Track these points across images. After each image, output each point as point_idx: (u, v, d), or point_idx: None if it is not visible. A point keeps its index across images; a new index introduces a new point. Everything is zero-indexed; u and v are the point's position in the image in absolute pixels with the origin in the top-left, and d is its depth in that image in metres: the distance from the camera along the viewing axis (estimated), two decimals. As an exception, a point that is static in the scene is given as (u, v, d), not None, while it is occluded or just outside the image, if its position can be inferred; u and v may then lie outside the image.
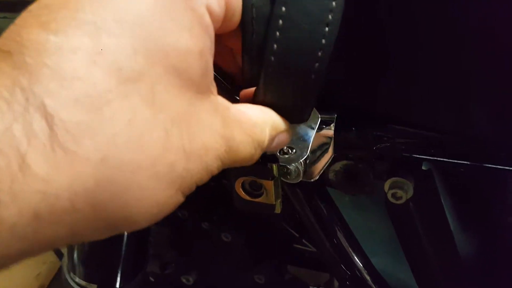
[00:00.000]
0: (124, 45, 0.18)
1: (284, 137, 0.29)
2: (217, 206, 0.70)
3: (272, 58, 0.25)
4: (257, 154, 0.26)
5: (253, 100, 0.28)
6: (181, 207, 0.72)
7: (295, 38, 0.25)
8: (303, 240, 0.86)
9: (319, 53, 0.25)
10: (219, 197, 0.71)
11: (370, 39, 0.36)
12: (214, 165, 0.22)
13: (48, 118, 0.16)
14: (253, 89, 0.29)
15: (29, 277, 1.36)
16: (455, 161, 0.41)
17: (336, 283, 0.86)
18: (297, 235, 0.83)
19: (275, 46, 0.25)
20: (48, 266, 1.42)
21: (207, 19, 0.22)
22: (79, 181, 0.17)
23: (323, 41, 0.25)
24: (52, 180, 0.16)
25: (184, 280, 0.76)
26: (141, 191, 0.19)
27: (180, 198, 0.22)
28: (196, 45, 0.21)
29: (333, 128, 0.42)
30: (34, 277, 1.37)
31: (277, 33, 0.25)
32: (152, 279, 0.81)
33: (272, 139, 0.27)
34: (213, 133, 0.22)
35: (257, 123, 0.25)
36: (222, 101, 0.24)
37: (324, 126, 0.43)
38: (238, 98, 0.31)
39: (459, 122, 0.37)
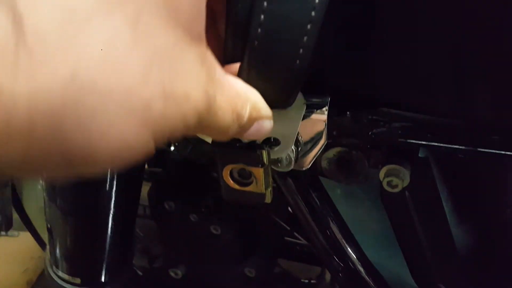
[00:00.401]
0: None
1: (265, 125, 0.27)
2: (205, 197, 0.68)
3: (256, 43, 0.24)
4: (234, 129, 0.24)
5: (237, 76, 0.26)
6: (168, 198, 0.70)
7: (280, 24, 0.24)
8: (295, 233, 0.85)
9: (304, 39, 0.24)
10: (207, 188, 0.69)
11: (365, 18, 0.34)
12: (192, 118, 0.20)
13: (16, 17, 0.14)
14: (236, 65, 0.27)
15: (16, 272, 1.35)
16: (454, 146, 0.39)
17: (328, 277, 0.85)
18: (288, 228, 0.81)
19: (259, 30, 0.24)
20: (35, 261, 1.41)
21: None
22: (43, 95, 0.15)
23: (309, 26, 0.24)
24: (9, 87, 0.14)
25: (172, 274, 0.74)
26: (109, 122, 0.17)
27: (150, 145, 0.19)
28: None
29: (326, 113, 0.40)
30: (21, 272, 1.36)
31: (262, 17, 0.24)
32: (140, 273, 0.79)
33: (251, 120, 0.25)
34: (197, 84, 0.20)
35: (240, 95, 0.24)
36: (211, 57, 0.22)
37: (316, 110, 0.41)
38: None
39: (458, 104, 0.35)
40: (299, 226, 0.83)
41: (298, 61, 0.24)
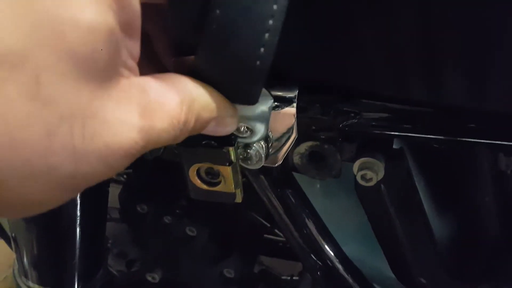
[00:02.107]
0: (3, 16, 0.14)
1: (225, 122, 0.26)
2: (179, 198, 0.66)
3: (210, 41, 0.22)
4: (182, 136, 0.22)
5: (189, 72, 0.24)
6: (139, 201, 0.67)
7: (238, 19, 0.21)
8: (275, 230, 0.83)
9: (266, 36, 0.22)
10: (180, 188, 0.67)
11: (332, 4, 0.33)
12: (121, 163, 0.19)
13: None
14: (187, 58, 0.25)
15: (-5, 280, 1.31)
16: (429, 136, 0.37)
17: (310, 273, 0.84)
18: (268, 225, 0.80)
19: (214, 26, 0.22)
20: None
21: None
22: None
23: (271, 21, 0.22)
24: None
25: (149, 278, 0.71)
26: (18, 189, 0.16)
27: (69, 196, 0.18)
28: (106, 18, 0.16)
29: (295, 106, 0.38)
30: (1, 280, 1.33)
31: (217, 11, 0.21)
32: (118, 276, 0.77)
33: (203, 122, 0.24)
34: (125, 129, 0.18)
35: (183, 102, 0.21)
36: (138, 83, 0.19)
37: (285, 104, 0.39)
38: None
39: (432, 92, 0.33)
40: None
41: (258, 62, 0.22)
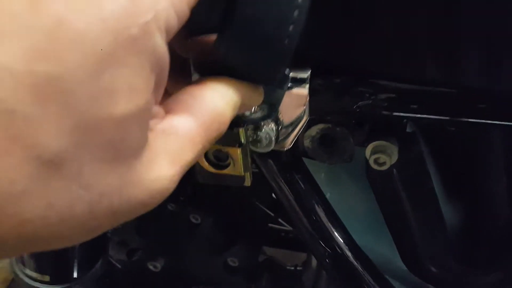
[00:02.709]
0: (45, 122, 0.15)
1: (251, 106, 0.27)
2: (183, 184, 0.65)
3: (243, 16, 0.21)
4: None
5: (214, 51, 0.23)
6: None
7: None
8: (279, 220, 0.82)
9: (295, 14, 0.21)
10: (185, 175, 0.66)
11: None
12: (155, 204, 0.20)
13: None
14: (205, 38, 0.24)
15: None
16: (443, 117, 0.36)
17: (314, 263, 0.83)
18: (272, 214, 0.79)
19: (244, 3, 0.21)
20: (11, 259, 1.37)
21: (161, 49, 0.18)
22: None
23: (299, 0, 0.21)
24: None
25: (151, 267, 0.70)
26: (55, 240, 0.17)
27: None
28: (138, 104, 0.17)
29: (307, 87, 0.37)
30: None
31: None
32: (119, 266, 0.76)
33: (235, 113, 0.23)
34: (158, 184, 0.19)
35: (206, 125, 0.21)
36: (163, 130, 0.20)
37: (296, 85, 0.37)
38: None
39: (447, 72, 0.32)
40: (283, 211, 0.81)
41: (287, 41, 0.21)
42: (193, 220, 0.64)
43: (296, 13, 0.21)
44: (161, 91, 0.20)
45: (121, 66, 0.16)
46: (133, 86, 0.16)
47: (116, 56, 0.16)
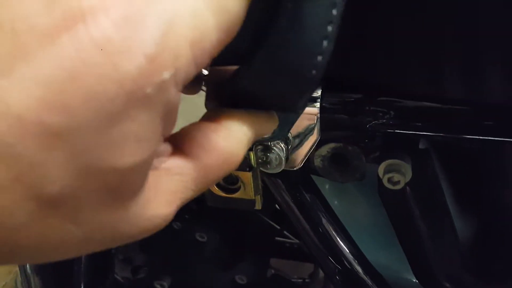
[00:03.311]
0: (48, 168, 0.15)
1: (267, 130, 0.25)
2: (188, 203, 0.64)
3: (272, 47, 0.20)
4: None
5: (235, 81, 0.22)
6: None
7: (300, 27, 0.20)
8: (285, 232, 0.81)
9: (324, 44, 0.20)
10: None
11: (358, 4, 0.30)
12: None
13: None
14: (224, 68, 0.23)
15: (-6, 288, 1.30)
16: (458, 136, 0.35)
17: (321, 274, 0.82)
18: (278, 227, 0.78)
19: (277, 33, 0.20)
20: (13, 276, 1.36)
21: (174, 100, 0.17)
22: None
23: (329, 28, 0.20)
24: None
25: (158, 286, 0.69)
26: None
27: None
28: (143, 155, 0.17)
29: (318, 106, 0.36)
30: (0, 287, 1.32)
31: (282, 19, 0.20)
32: (123, 283, 0.74)
33: (248, 147, 0.23)
34: (154, 222, 0.19)
35: (227, 159, 0.21)
36: (167, 169, 0.20)
37: (307, 103, 0.36)
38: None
39: (468, 91, 0.31)
40: (289, 224, 0.80)
41: (314, 71, 0.20)
42: (199, 238, 0.63)
43: (325, 43, 0.20)
44: (170, 129, 0.19)
45: (131, 121, 0.15)
46: (140, 139, 0.16)
47: (127, 113, 0.15)
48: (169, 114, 0.17)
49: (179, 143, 0.20)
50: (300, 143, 0.39)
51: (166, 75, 0.15)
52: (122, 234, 0.18)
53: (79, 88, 0.14)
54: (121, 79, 0.14)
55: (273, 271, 0.75)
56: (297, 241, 0.86)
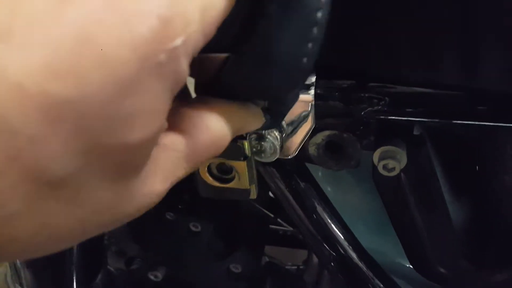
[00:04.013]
0: (51, 144, 0.13)
1: (253, 127, 0.25)
2: (180, 192, 0.63)
3: (261, 36, 0.19)
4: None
5: (223, 70, 0.21)
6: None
7: (289, 12, 0.19)
8: (278, 220, 0.81)
9: (314, 30, 0.19)
10: (182, 182, 0.64)
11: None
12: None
13: None
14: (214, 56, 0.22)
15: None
16: (454, 121, 0.35)
17: (315, 261, 0.82)
18: (272, 215, 0.77)
19: (265, 22, 0.19)
20: (1, 270, 1.35)
21: (184, 72, 0.16)
22: None
23: (319, 14, 0.19)
24: None
25: (152, 277, 0.69)
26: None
27: None
28: (153, 129, 0.16)
29: (312, 93, 0.35)
30: None
31: (270, 7, 0.19)
32: (117, 275, 0.74)
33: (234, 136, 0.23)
34: (148, 198, 0.19)
35: (215, 141, 0.21)
36: (164, 146, 0.19)
37: (301, 91, 0.36)
38: None
39: (465, 73, 0.31)
40: (283, 212, 0.79)
41: (305, 59, 0.20)
42: (193, 229, 0.62)
43: (315, 30, 0.19)
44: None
45: (143, 92, 0.14)
46: (151, 112, 0.15)
47: (140, 82, 0.14)
48: (177, 87, 0.17)
49: (174, 120, 0.20)
50: (295, 131, 0.38)
51: (178, 41, 0.15)
52: (120, 214, 0.18)
53: (90, 52, 0.13)
54: (134, 43, 0.13)
55: (267, 258, 0.75)
56: (290, 228, 0.86)
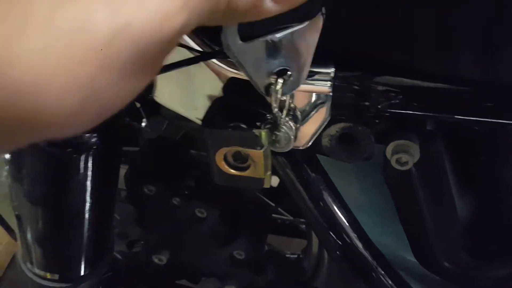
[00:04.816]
0: None
1: None
2: (186, 178, 0.63)
3: None
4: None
5: None
6: (147, 181, 0.64)
7: None
8: (279, 209, 0.82)
9: None
10: (187, 167, 0.64)
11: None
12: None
13: None
14: None
15: (-17, 258, 1.28)
16: (469, 118, 0.35)
17: (314, 250, 0.83)
18: (273, 205, 0.78)
19: None
20: (3, 248, 1.34)
21: None
22: None
23: None
24: None
25: (156, 260, 0.69)
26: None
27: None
28: None
29: (330, 85, 0.36)
30: None
31: None
32: (120, 257, 0.75)
33: None
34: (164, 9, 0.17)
35: None
36: None
37: (319, 82, 0.36)
38: None
39: (485, 69, 0.31)
40: (284, 201, 0.80)
41: None
42: (199, 214, 0.63)
43: None
44: None
45: None
46: None
47: None
48: None
49: None
50: (309, 122, 0.38)
51: None
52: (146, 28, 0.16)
53: None
54: None
55: (267, 247, 0.76)
56: (290, 218, 0.87)
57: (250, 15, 0.20)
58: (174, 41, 0.17)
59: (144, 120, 0.83)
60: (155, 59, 0.17)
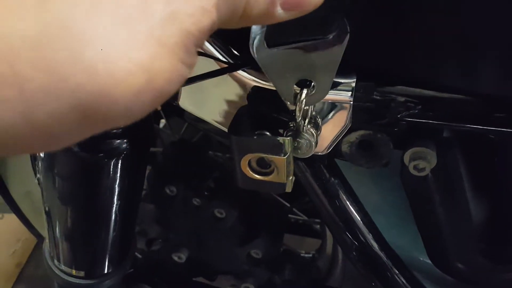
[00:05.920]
0: None
1: None
2: (206, 179, 0.65)
3: None
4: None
5: None
6: (169, 183, 0.66)
7: None
8: (294, 209, 0.83)
9: None
10: (207, 169, 0.66)
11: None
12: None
13: None
14: None
15: (4, 254, 1.31)
16: (488, 128, 0.37)
17: (329, 249, 0.84)
18: (288, 205, 0.80)
19: None
20: (22, 243, 1.37)
21: None
22: None
23: None
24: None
25: (175, 258, 0.71)
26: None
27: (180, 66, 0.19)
28: None
29: (351, 94, 0.37)
30: (9, 255, 1.32)
31: None
32: (139, 256, 0.77)
33: None
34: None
35: None
36: None
37: (340, 92, 0.38)
38: None
39: (502, 83, 0.32)
40: (298, 201, 0.81)
41: None
42: (218, 215, 0.65)
43: None
44: None
45: None
46: None
47: None
48: None
49: None
50: (330, 129, 0.40)
51: None
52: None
53: None
54: None
55: (285, 246, 0.78)
56: (304, 218, 0.88)
57: (262, 20, 0.22)
58: (206, 37, 0.20)
59: (163, 121, 0.85)
60: (197, 46, 0.19)
